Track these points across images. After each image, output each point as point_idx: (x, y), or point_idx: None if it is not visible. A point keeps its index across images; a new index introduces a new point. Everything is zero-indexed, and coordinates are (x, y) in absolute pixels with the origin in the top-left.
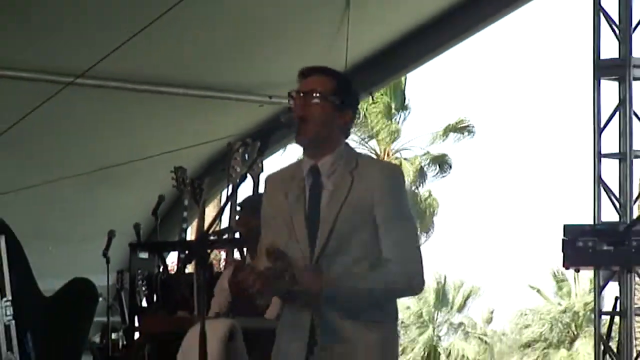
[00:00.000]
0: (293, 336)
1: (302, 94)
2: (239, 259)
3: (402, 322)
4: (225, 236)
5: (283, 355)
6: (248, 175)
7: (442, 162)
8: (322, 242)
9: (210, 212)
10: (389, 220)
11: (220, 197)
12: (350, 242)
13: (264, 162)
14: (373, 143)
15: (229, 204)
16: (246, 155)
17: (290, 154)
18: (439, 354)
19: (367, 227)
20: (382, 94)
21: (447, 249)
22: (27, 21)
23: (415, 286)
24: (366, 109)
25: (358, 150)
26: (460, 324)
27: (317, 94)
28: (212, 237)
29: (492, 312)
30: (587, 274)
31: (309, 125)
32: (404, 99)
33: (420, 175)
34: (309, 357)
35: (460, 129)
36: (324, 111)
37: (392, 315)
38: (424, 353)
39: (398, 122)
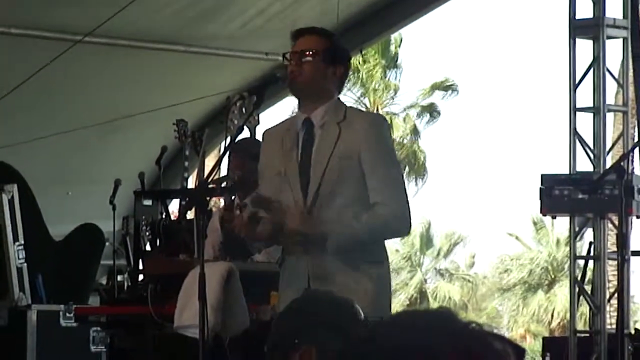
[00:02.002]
0: (291, 283)
1: (295, 54)
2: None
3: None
4: (224, 184)
5: (283, 301)
6: (245, 127)
7: (431, 111)
8: (314, 190)
9: (209, 162)
10: (376, 165)
11: (220, 147)
12: (341, 189)
13: (260, 115)
14: (365, 100)
15: (227, 154)
16: (243, 109)
17: (285, 108)
18: (427, 295)
19: (355, 174)
20: (373, 52)
21: (433, 196)
22: None
23: (403, 227)
24: (358, 65)
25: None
26: (446, 268)
27: (308, 52)
28: (211, 185)
29: (474, 257)
30: (564, 221)
31: (301, 80)
32: (396, 57)
33: (414, 130)
34: None
35: (445, 87)
36: (315, 66)
37: (383, 258)
38: (413, 295)
39: (388, 78)
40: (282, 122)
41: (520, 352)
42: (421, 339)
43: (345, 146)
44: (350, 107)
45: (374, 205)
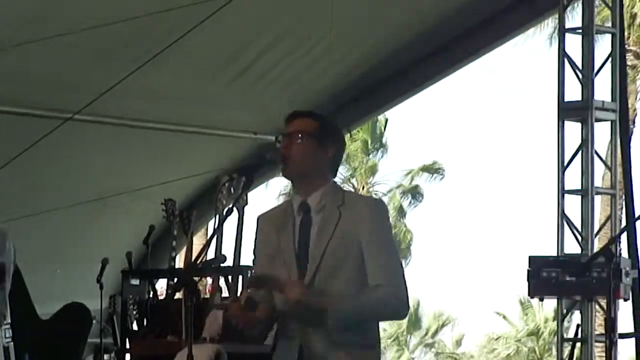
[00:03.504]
0: None
1: (287, 136)
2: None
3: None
4: (212, 265)
5: None
6: (234, 207)
7: (414, 193)
8: (311, 275)
9: (197, 241)
10: (376, 251)
11: (207, 227)
12: (339, 272)
13: (249, 195)
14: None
15: (216, 234)
16: (232, 189)
17: (273, 189)
18: None
19: (354, 259)
20: (359, 131)
21: (420, 276)
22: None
23: (402, 309)
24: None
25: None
26: (433, 348)
27: (300, 134)
28: (199, 266)
29: (461, 336)
30: (552, 301)
31: (293, 162)
32: (382, 137)
33: (399, 211)
34: None
35: (432, 169)
36: (306, 148)
37: (376, 342)
38: None
39: (375, 159)
40: (278, 205)
41: None
42: None
43: (345, 230)
44: (349, 191)
45: (375, 287)
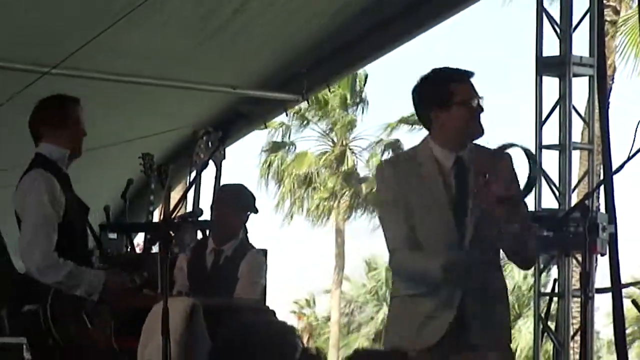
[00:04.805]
0: None
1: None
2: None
3: (356, 301)
4: (189, 219)
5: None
6: (211, 161)
7: (395, 147)
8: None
9: (176, 196)
10: None
11: (186, 182)
12: None
13: (226, 149)
14: (331, 132)
15: (193, 187)
16: (209, 143)
17: (252, 143)
18: None
19: None
20: (339, 87)
21: None
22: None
23: None
24: (327, 101)
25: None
26: None
27: None
28: (176, 220)
29: None
30: None
31: None
32: (361, 92)
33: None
34: None
35: (412, 120)
36: None
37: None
38: (380, 329)
39: (355, 114)
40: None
41: None
42: None
43: None
44: None
45: None
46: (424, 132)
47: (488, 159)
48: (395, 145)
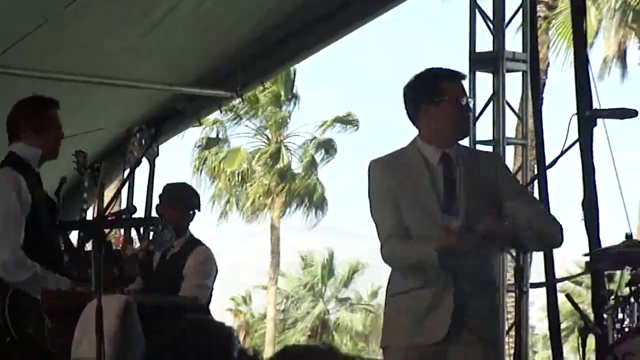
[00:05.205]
0: None
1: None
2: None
3: (292, 296)
4: (123, 216)
5: None
6: (144, 159)
7: (328, 147)
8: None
9: (109, 194)
10: None
11: (120, 179)
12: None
13: (160, 147)
14: (264, 129)
15: (126, 185)
16: (143, 140)
17: (188, 140)
18: (329, 325)
19: None
20: (273, 83)
21: (335, 228)
22: None
23: None
24: (258, 99)
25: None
26: (347, 298)
27: None
28: (109, 217)
29: (378, 288)
30: None
31: None
32: (293, 88)
33: (312, 163)
34: None
35: (347, 121)
36: None
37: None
38: (316, 324)
39: (287, 110)
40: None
41: None
42: None
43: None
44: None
45: None
46: (358, 133)
47: (481, 156)
48: (328, 144)
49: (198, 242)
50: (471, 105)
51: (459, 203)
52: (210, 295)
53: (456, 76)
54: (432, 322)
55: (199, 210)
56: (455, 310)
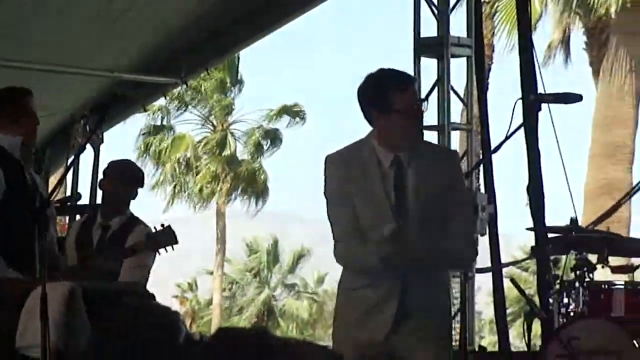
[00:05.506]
0: None
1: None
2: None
3: (237, 282)
4: (68, 203)
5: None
6: (89, 145)
7: (273, 138)
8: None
9: (54, 180)
10: None
11: (65, 166)
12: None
13: (105, 133)
14: (209, 115)
15: (71, 171)
16: (87, 127)
17: (131, 126)
18: (275, 312)
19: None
20: (217, 70)
21: (278, 215)
22: None
23: None
24: (202, 86)
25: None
26: (293, 284)
27: None
28: (54, 203)
29: (325, 275)
30: None
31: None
32: (237, 74)
33: (257, 148)
34: None
35: (293, 112)
36: None
37: None
38: (262, 311)
39: (232, 97)
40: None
41: (339, 358)
42: (240, 356)
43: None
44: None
45: None
46: (306, 126)
47: (435, 155)
48: (274, 134)
49: (138, 221)
50: (424, 108)
51: (408, 207)
52: (148, 274)
53: (405, 83)
54: (376, 320)
55: (142, 187)
56: (400, 310)
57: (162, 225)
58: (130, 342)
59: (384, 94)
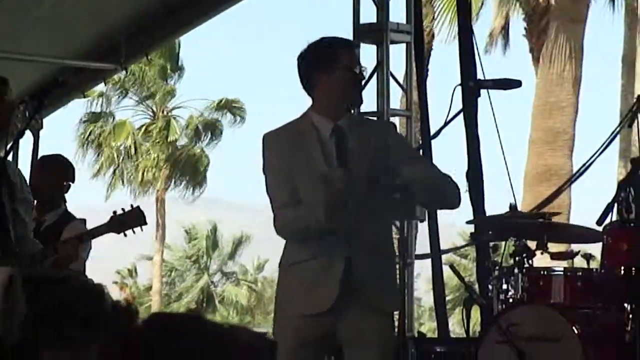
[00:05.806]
0: None
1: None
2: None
3: (176, 269)
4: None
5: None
6: (28, 131)
7: (214, 129)
8: None
9: None
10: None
11: (5, 150)
12: None
13: (44, 119)
14: (150, 102)
15: (10, 157)
16: (26, 113)
17: (72, 112)
18: (214, 298)
19: None
20: (158, 56)
21: (218, 201)
22: None
23: None
24: (142, 70)
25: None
26: (233, 272)
27: None
28: None
29: (265, 261)
30: None
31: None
32: (178, 60)
33: (196, 134)
34: None
35: (235, 108)
36: None
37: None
38: (200, 298)
39: (173, 83)
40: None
41: (274, 344)
42: (173, 340)
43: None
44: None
45: None
46: (247, 124)
47: (373, 124)
48: (214, 125)
49: (72, 216)
50: (365, 74)
51: (351, 175)
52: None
53: (350, 44)
54: (320, 292)
55: (73, 182)
56: (345, 280)
57: (131, 205)
58: (43, 316)
59: (332, 52)
